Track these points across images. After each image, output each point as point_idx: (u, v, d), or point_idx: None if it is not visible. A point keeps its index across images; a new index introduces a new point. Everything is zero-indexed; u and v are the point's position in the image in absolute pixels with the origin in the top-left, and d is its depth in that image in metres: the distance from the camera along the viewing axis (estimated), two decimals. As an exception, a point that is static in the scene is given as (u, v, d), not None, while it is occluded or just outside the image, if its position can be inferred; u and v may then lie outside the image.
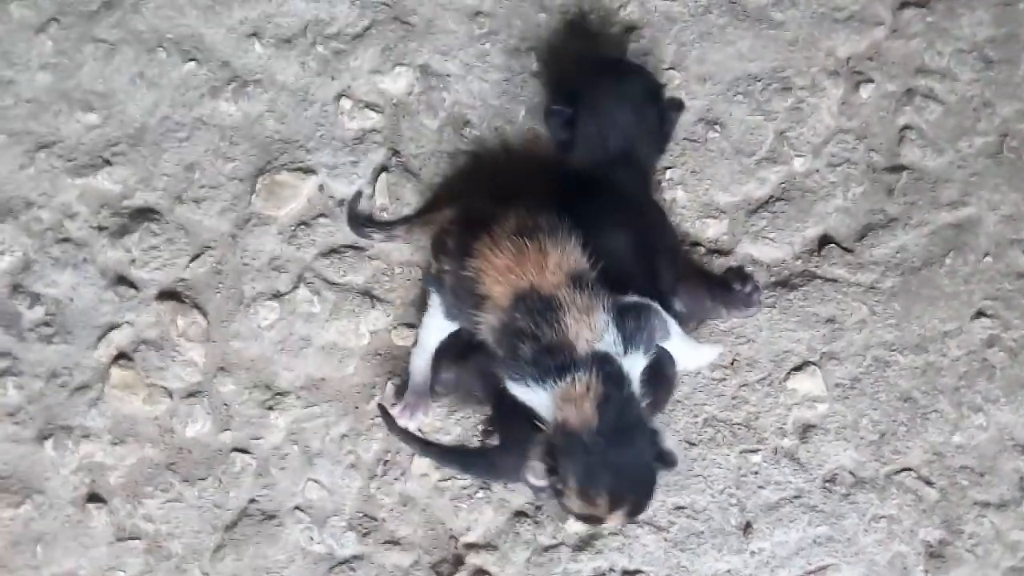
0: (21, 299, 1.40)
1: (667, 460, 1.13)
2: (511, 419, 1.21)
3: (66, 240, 1.42)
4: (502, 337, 1.13)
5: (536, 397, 1.11)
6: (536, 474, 1.09)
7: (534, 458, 1.08)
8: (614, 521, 1.11)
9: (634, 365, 1.13)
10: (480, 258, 1.13)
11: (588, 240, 1.19)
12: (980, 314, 1.42)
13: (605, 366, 1.09)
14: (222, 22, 1.49)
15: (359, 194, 1.42)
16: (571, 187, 1.33)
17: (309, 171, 1.45)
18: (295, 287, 1.41)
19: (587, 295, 1.12)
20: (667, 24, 1.50)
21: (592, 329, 1.10)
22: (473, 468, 1.31)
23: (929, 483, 1.38)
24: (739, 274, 1.41)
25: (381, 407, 1.28)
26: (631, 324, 1.14)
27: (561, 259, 1.12)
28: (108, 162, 1.45)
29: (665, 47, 1.48)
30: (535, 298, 1.10)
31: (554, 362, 1.09)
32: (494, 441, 1.32)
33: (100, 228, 1.42)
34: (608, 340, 1.11)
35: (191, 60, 1.48)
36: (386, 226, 1.40)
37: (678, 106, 1.37)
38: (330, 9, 1.49)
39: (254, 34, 1.49)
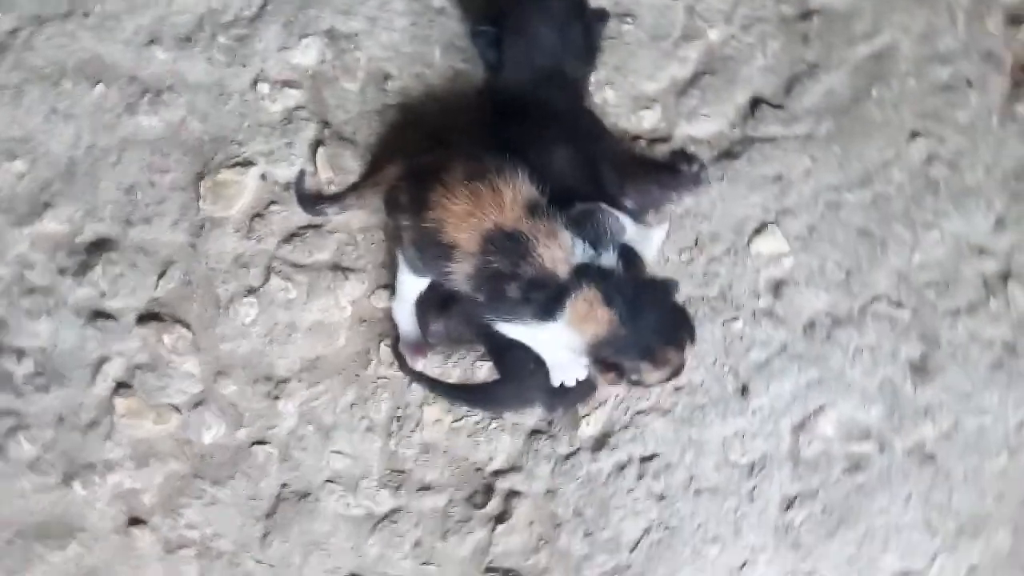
0: (6, 357, 1.42)
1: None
2: (504, 352, 1.27)
3: (32, 291, 1.43)
4: (480, 281, 1.18)
5: (538, 331, 1.17)
6: (613, 381, 1.19)
7: (603, 375, 1.19)
8: (691, 357, 1.22)
9: (608, 260, 1.18)
10: (438, 208, 1.16)
11: (530, 160, 1.23)
12: (914, 135, 1.48)
13: (590, 274, 1.14)
14: (116, 37, 1.47)
15: (302, 173, 1.43)
16: (503, 110, 1.35)
17: (247, 163, 1.45)
18: (266, 279, 1.44)
19: (545, 220, 1.16)
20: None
21: (563, 249, 1.14)
22: (482, 403, 1.38)
23: (900, 305, 1.46)
24: (683, 156, 1.45)
25: (394, 350, 1.35)
26: (590, 230, 1.19)
27: (514, 193, 1.16)
28: (48, 204, 1.44)
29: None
30: (502, 237, 1.14)
31: (546, 295, 1.14)
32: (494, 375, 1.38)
33: (61, 271, 1.43)
34: (579, 252, 1.16)
35: (98, 83, 1.46)
36: (336, 198, 1.42)
37: (602, 16, 1.38)
38: (221, -2, 1.47)
39: (152, 41, 1.47)
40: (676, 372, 1.23)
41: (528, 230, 1.14)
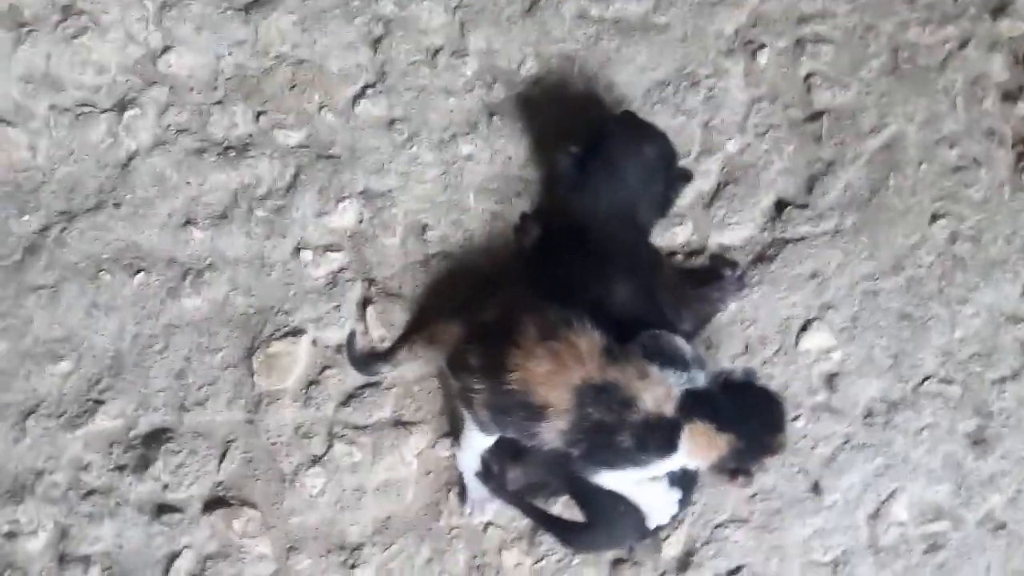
0: (72, 568, 1.37)
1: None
2: (593, 497, 1.27)
3: (91, 493, 1.39)
4: (577, 435, 1.17)
5: (644, 472, 1.20)
6: (745, 484, 1.33)
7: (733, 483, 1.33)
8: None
9: (699, 378, 1.21)
10: (519, 370, 1.16)
11: (589, 292, 1.24)
12: (935, 217, 1.54)
13: (696, 405, 1.17)
14: (151, 223, 1.47)
15: (353, 334, 1.43)
16: (562, 237, 1.36)
17: (297, 332, 1.45)
18: (329, 446, 1.42)
19: (630, 361, 1.17)
20: (567, 64, 1.54)
21: (662, 385, 1.16)
22: (573, 544, 1.36)
23: (950, 382, 1.50)
24: (722, 261, 1.49)
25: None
26: (667, 355, 1.21)
27: (589, 343, 1.17)
28: (99, 402, 1.41)
29: (574, 86, 1.52)
30: (594, 389, 1.15)
31: (661, 436, 1.17)
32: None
33: (119, 468, 1.40)
34: (674, 381, 1.17)
35: (138, 272, 1.45)
36: (388, 355, 1.42)
37: (686, 177, 1.41)
38: (252, 171, 1.48)
39: (188, 222, 1.47)
40: (783, 444, 1.27)
41: (620, 378, 1.15)
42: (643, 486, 1.21)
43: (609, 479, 1.20)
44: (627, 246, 1.34)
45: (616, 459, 1.17)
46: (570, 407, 1.15)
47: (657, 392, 1.15)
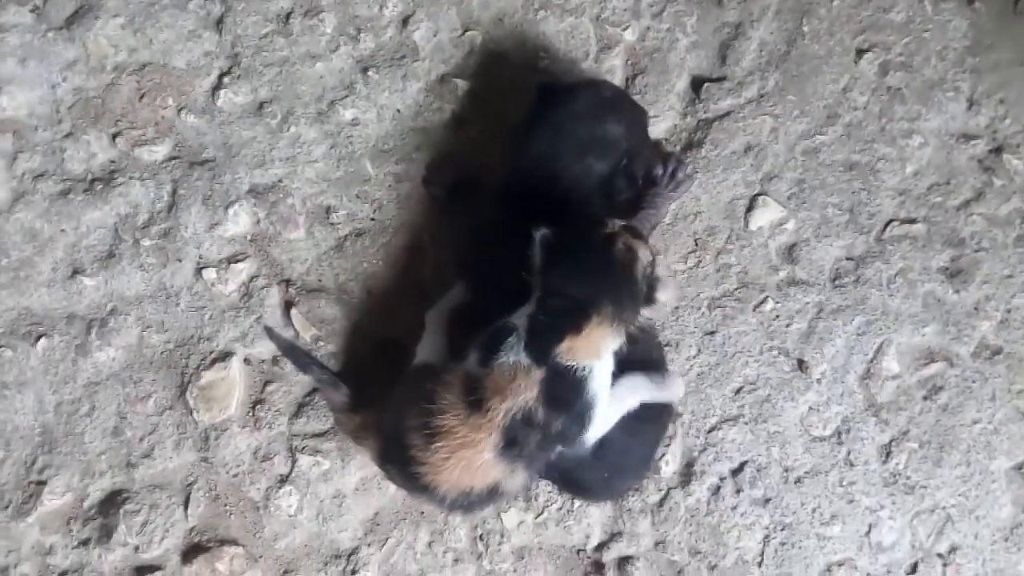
0: (66, 655, 1.30)
1: None
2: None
3: (62, 575, 1.31)
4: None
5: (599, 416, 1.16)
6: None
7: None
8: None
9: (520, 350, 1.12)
10: (440, 478, 1.13)
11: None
12: (860, 52, 1.43)
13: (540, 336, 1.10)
14: (36, 283, 1.35)
15: (270, 330, 1.33)
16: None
17: (225, 356, 1.35)
18: (294, 461, 1.35)
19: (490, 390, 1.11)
20: (432, -7, 1.40)
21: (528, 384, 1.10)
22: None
23: (912, 221, 1.42)
24: (656, 155, 1.37)
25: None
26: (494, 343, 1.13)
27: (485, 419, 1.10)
28: (41, 483, 1.33)
29: (446, 14, 1.39)
30: (507, 436, 1.11)
31: (563, 395, 1.12)
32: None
33: (84, 543, 1.32)
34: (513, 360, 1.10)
35: (39, 338, 1.34)
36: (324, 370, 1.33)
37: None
38: (126, 200, 1.36)
39: (75, 272, 1.35)
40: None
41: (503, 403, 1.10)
42: (613, 408, 1.16)
43: (594, 436, 1.15)
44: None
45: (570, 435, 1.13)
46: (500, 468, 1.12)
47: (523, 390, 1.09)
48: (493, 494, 1.14)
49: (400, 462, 1.14)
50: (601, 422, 1.15)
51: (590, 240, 1.12)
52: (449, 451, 1.10)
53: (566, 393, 1.10)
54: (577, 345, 1.09)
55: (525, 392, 1.09)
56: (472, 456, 1.10)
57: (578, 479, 1.26)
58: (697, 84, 1.41)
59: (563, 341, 1.09)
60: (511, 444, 1.10)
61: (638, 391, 1.21)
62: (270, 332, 1.32)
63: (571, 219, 1.16)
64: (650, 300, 1.15)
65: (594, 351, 1.11)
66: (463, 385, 1.11)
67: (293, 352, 1.31)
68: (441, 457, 1.10)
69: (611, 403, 1.15)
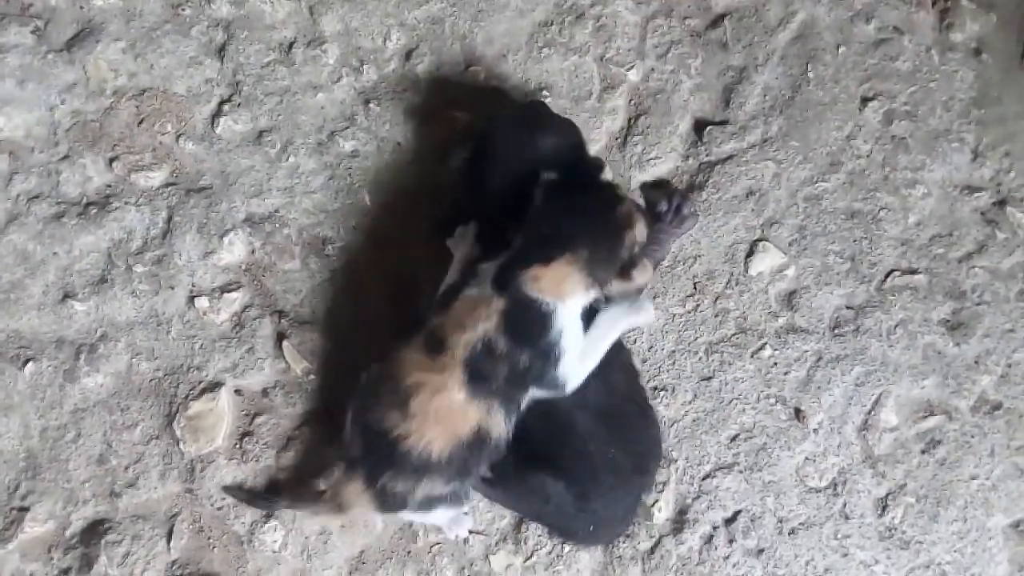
0: None
1: None
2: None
3: (39, 606, 1.29)
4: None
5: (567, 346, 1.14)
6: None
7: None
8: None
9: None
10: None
11: None
12: (865, 100, 1.42)
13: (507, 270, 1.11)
14: (26, 306, 1.33)
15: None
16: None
17: (214, 386, 1.33)
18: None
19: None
20: (436, 27, 1.39)
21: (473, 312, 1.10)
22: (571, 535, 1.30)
23: (914, 271, 1.41)
24: (656, 193, 1.36)
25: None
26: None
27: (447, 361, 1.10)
28: (23, 509, 1.30)
29: (450, 49, 1.38)
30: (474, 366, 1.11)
31: (529, 325, 1.12)
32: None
33: (64, 572, 1.30)
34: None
35: (27, 362, 1.32)
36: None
37: (598, 166, 1.27)
38: (120, 225, 1.34)
39: (66, 296, 1.34)
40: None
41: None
42: (596, 345, 1.16)
43: (570, 371, 1.13)
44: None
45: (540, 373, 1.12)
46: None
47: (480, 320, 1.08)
48: (481, 441, 1.11)
49: (388, 455, 1.11)
50: (582, 364, 1.14)
51: (595, 193, 1.13)
52: (424, 404, 1.08)
53: (528, 325, 1.10)
54: (543, 276, 1.09)
55: (484, 322, 1.08)
56: (445, 400, 1.08)
57: (565, 528, 1.24)
58: (700, 127, 1.41)
59: (529, 269, 1.09)
60: (477, 378, 1.08)
61: (617, 322, 1.19)
62: (232, 491, 1.29)
63: None
64: (626, 274, 1.13)
65: (559, 289, 1.10)
66: (424, 341, 1.10)
67: (258, 498, 1.28)
68: (420, 417, 1.08)
69: (593, 341, 1.15)
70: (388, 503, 1.16)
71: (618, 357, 1.23)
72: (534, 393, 1.15)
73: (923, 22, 1.43)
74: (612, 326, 1.19)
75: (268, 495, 1.28)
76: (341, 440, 1.25)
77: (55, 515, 1.31)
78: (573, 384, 1.15)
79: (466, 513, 1.32)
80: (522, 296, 1.09)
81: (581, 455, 1.19)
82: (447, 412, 1.09)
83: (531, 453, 1.19)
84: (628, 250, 1.13)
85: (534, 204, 1.13)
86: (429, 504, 1.17)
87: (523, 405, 1.15)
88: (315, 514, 1.20)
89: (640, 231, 1.13)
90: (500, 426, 1.12)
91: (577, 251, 1.09)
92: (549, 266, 1.09)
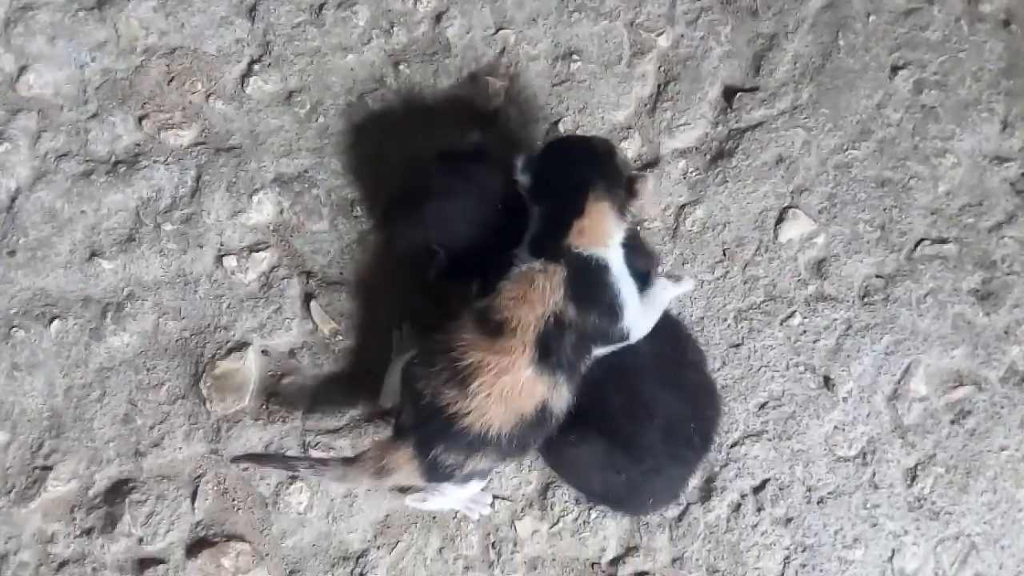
0: (62, 648, 1.26)
1: None
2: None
3: (64, 565, 1.28)
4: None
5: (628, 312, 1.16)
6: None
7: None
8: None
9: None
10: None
11: None
12: (895, 69, 1.41)
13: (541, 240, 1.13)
14: (53, 264, 1.32)
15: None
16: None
17: (242, 346, 1.32)
18: (307, 456, 1.31)
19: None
20: (468, -11, 1.40)
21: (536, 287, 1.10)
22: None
23: (944, 241, 1.40)
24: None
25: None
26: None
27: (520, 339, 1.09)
28: (47, 468, 1.29)
29: (480, 12, 1.38)
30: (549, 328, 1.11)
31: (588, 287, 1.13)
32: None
33: (87, 532, 1.28)
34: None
35: (53, 319, 1.31)
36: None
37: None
38: (149, 183, 1.34)
39: (93, 254, 1.33)
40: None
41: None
42: (651, 309, 1.18)
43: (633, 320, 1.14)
44: None
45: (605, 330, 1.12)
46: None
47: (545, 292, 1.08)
48: (544, 418, 1.10)
49: (443, 429, 1.09)
50: (640, 321, 1.15)
51: (568, 145, 1.18)
52: (488, 385, 1.06)
53: (591, 285, 1.10)
54: (585, 226, 1.10)
55: (551, 295, 1.07)
56: (513, 380, 1.07)
57: (621, 499, 1.23)
58: (730, 93, 1.40)
59: (572, 227, 1.09)
60: (546, 353, 1.07)
61: (667, 290, 1.21)
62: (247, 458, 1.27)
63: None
64: (631, 192, 1.14)
65: (601, 232, 1.11)
66: (475, 321, 1.09)
67: (275, 460, 1.25)
68: (483, 396, 1.06)
69: (648, 307, 1.17)
70: (436, 474, 1.14)
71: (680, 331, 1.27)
72: (595, 353, 1.14)
73: (953, -9, 1.43)
74: (664, 291, 1.21)
75: (288, 458, 1.25)
76: (372, 402, 1.24)
77: (78, 475, 1.30)
78: (637, 333, 1.16)
79: (484, 490, 1.30)
80: (576, 258, 1.09)
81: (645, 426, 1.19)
82: (514, 390, 1.07)
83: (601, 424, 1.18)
84: (623, 167, 1.16)
85: (527, 189, 1.13)
86: (470, 477, 1.16)
87: (583, 370, 1.14)
88: (341, 479, 1.18)
89: (620, 152, 1.18)
90: (564, 398, 1.12)
91: (596, 185, 1.11)
92: (585, 213, 1.09)
